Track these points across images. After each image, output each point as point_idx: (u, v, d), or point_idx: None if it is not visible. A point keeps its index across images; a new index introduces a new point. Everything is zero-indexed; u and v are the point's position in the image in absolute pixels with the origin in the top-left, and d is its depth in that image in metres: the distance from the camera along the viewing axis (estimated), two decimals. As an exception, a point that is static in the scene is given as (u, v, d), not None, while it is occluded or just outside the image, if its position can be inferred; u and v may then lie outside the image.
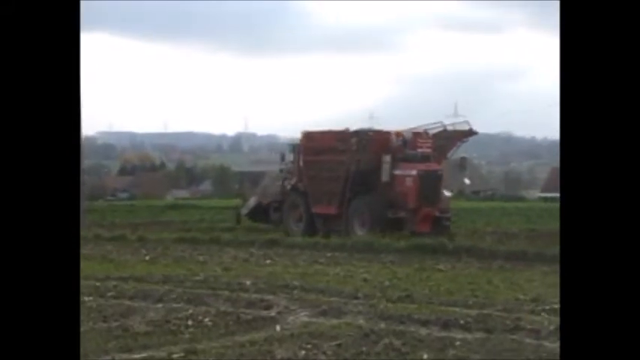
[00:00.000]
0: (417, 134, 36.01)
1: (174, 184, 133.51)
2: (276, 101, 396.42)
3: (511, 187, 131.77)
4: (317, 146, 36.33)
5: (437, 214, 34.07)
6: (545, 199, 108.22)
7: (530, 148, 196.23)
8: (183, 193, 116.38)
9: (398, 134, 35.27)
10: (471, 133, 38.61)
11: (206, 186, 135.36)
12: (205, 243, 30.67)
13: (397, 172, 34.28)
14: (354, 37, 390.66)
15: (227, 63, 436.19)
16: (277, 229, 36.69)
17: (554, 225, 43.83)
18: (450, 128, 38.09)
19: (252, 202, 40.25)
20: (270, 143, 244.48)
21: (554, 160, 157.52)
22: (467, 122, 38.81)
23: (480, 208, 62.60)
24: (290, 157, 38.37)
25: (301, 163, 36.76)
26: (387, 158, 34.36)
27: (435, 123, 38.09)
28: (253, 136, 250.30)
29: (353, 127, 36.35)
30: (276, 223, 37.96)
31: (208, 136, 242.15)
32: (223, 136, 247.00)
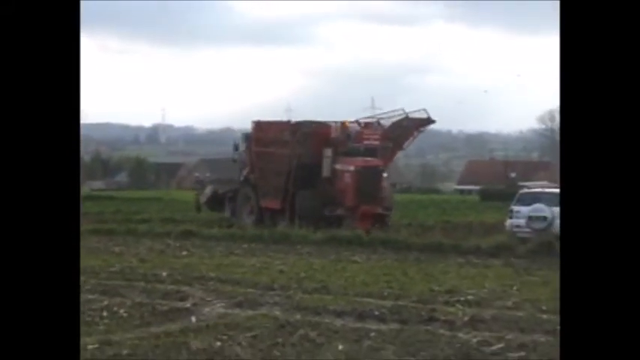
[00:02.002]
0: (366, 125, 35.13)
1: (90, 176, 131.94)
2: (192, 93, 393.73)
3: (427, 179, 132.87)
4: (265, 137, 35.08)
5: (379, 211, 32.69)
6: (461, 192, 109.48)
7: (446, 141, 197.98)
8: (99, 185, 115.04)
9: (344, 126, 34.16)
10: (429, 121, 37.55)
11: (122, 177, 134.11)
12: (121, 234, 30.41)
13: (338, 166, 33.08)
14: (269, 30, 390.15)
15: (141, 53, 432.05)
16: (230, 220, 35.81)
17: (470, 217, 44.31)
18: (411, 116, 36.99)
19: (208, 191, 38.97)
20: (187, 135, 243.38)
21: (470, 153, 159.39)
22: (424, 111, 37.63)
23: (396, 200, 62.93)
24: (243, 146, 37.11)
25: (251, 154, 35.72)
26: (328, 152, 33.21)
27: (395, 110, 37.22)
28: (170, 127, 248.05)
29: (271, 119, 35.89)
30: (230, 213, 36.83)
31: (125, 128, 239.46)
32: (140, 128, 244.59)
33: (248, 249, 25.48)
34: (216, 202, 37.99)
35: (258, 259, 22.54)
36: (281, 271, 19.53)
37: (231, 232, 30.21)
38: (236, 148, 38.05)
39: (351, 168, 32.58)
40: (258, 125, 35.78)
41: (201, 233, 30.02)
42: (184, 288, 16.49)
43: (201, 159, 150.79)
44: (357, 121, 35.66)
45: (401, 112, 37.03)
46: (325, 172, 33.04)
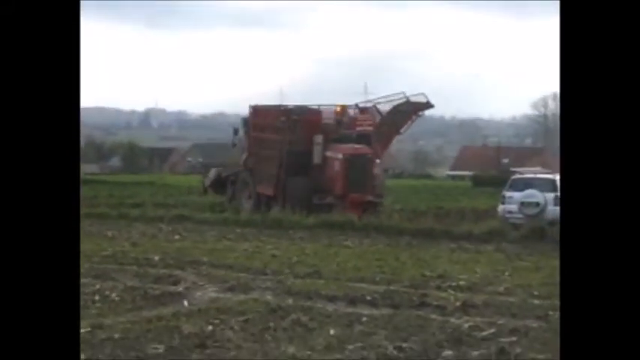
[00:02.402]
0: (362, 111, 34.77)
1: (83, 160, 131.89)
2: (184, 77, 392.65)
3: (420, 165, 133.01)
4: (260, 122, 34.78)
5: (369, 198, 32.04)
6: (454, 178, 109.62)
7: (439, 126, 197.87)
8: (92, 169, 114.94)
9: (337, 112, 33.76)
10: (428, 105, 37.13)
11: (115, 162, 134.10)
12: (114, 218, 30.40)
13: (328, 154, 32.61)
14: (259, 13, 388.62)
15: (131, 36, 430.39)
16: (231, 204, 35.40)
17: (462, 203, 44.35)
18: (416, 100, 36.53)
19: (212, 174, 38.49)
20: (180, 119, 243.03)
21: (463, 139, 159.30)
22: (423, 95, 37.14)
23: (389, 186, 62.90)
24: (242, 131, 36.80)
25: (249, 139, 35.44)
26: (319, 139, 32.76)
27: (395, 94, 36.70)
28: (162, 112, 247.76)
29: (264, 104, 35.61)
30: (230, 197, 36.38)
31: (118, 112, 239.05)
32: (133, 112, 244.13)
33: (241, 234, 25.48)
34: (219, 185, 37.59)
35: (251, 243, 22.54)
36: (273, 256, 19.53)
37: (224, 217, 30.22)
38: (236, 132, 37.68)
39: (340, 156, 32.18)
40: (255, 110, 35.49)
41: (193, 218, 30.03)
42: (176, 272, 16.49)
43: (194, 144, 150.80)
44: (356, 105, 35.31)
45: (401, 95, 36.69)
46: (316, 159, 32.71)
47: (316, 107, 34.92)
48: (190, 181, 75.08)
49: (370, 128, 34.06)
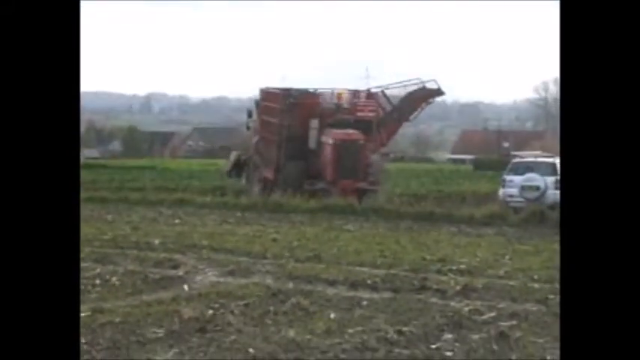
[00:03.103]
0: (369, 96, 34.65)
1: (84, 144, 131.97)
2: (186, 60, 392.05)
3: (420, 149, 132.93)
4: (269, 106, 34.63)
5: (361, 185, 31.88)
6: (455, 161, 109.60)
7: (440, 110, 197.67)
8: (93, 153, 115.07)
9: (338, 96, 33.68)
10: (438, 92, 37.04)
11: (115, 146, 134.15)
12: (114, 202, 30.39)
13: (323, 139, 32.57)
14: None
15: (132, 17, 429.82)
16: (247, 188, 35.37)
17: (463, 187, 44.39)
18: (428, 86, 36.29)
19: (232, 157, 38.37)
20: (181, 103, 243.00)
21: (464, 123, 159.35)
22: (435, 81, 36.85)
23: (389, 169, 62.93)
24: (255, 114, 36.57)
25: (258, 122, 35.41)
26: (315, 123, 32.78)
27: (410, 80, 36.49)
28: (164, 96, 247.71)
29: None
30: (245, 181, 36.41)
31: (119, 96, 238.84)
32: (134, 97, 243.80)
33: (241, 218, 25.49)
34: (239, 168, 37.47)
35: (251, 227, 22.54)
36: (274, 240, 19.52)
37: (225, 201, 30.24)
38: (249, 114, 37.27)
39: (330, 141, 32.09)
40: (264, 93, 35.41)
41: (194, 202, 30.04)
42: (177, 256, 16.48)
43: (195, 128, 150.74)
44: (368, 91, 35.20)
45: (417, 81, 36.46)
46: (311, 144, 32.77)
47: (316, 91, 34.84)
48: (191, 165, 75.25)
49: (372, 114, 33.90)
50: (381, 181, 33.51)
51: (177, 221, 24.23)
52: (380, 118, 34.54)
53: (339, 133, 32.30)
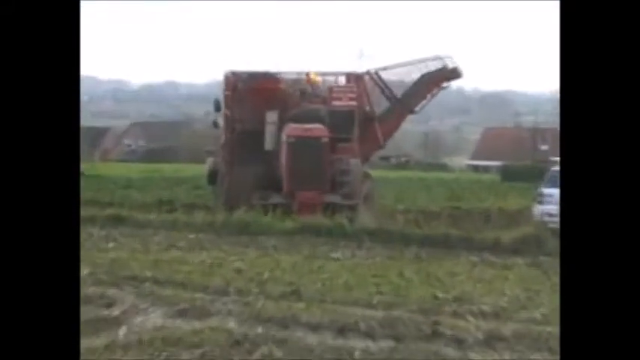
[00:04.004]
0: (357, 78, 34.51)
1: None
2: (124, 38, 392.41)
3: (431, 152, 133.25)
4: (229, 95, 34.28)
5: (333, 199, 31.49)
6: (476, 169, 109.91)
7: (457, 101, 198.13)
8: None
9: (309, 80, 33.74)
10: (455, 74, 36.71)
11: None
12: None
13: (283, 137, 32.32)
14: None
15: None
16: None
17: (486, 202, 44.46)
18: (451, 65, 36.00)
19: (209, 163, 36.92)
20: (118, 90, 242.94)
21: (488, 118, 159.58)
22: (450, 58, 36.60)
23: (390, 178, 63.08)
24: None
25: (225, 117, 34.80)
26: (273, 116, 32.67)
27: (430, 58, 36.14)
28: (94, 81, 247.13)
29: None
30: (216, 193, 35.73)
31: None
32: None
33: (195, 240, 25.46)
34: (216, 175, 36.38)
35: (209, 253, 22.52)
36: (238, 271, 19.53)
37: (174, 219, 30.13)
38: (217, 107, 35.81)
39: (284, 138, 31.97)
40: (229, 79, 34.72)
41: (134, 219, 29.95)
42: (111, 291, 16.48)
43: (134, 122, 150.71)
44: (353, 73, 35.08)
45: (436, 59, 36.17)
46: (267, 143, 32.59)
47: (272, 74, 34.50)
48: (130, 170, 75.12)
49: (352, 103, 33.69)
50: (367, 195, 33.49)
51: (111, 245, 24.21)
52: (366, 110, 34.48)
53: (296, 128, 32.06)
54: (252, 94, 33.15)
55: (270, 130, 32.60)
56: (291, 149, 31.63)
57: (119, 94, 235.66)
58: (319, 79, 34.36)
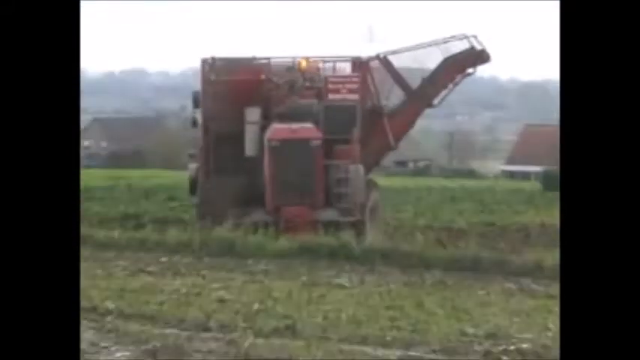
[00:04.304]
0: (359, 65, 33.95)
1: None
2: (84, 18, 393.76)
3: (458, 155, 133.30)
4: (206, 87, 33.73)
5: (327, 216, 31.34)
6: (512, 175, 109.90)
7: (490, 93, 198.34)
8: None
9: (301, 66, 33.14)
10: (484, 57, 35.43)
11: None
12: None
13: (266, 140, 31.81)
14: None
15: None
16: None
17: (525, 216, 44.39)
18: (478, 47, 35.02)
19: (191, 170, 35.92)
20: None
21: (526, 113, 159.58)
22: (475, 38, 35.42)
23: (408, 188, 63.15)
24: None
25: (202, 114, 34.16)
26: (254, 113, 32.38)
27: (452, 37, 35.33)
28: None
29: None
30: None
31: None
32: None
33: (169, 264, 25.47)
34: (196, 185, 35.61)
35: (185, 280, 22.55)
36: (221, 301, 19.54)
37: (142, 237, 30.10)
38: (196, 102, 34.93)
39: (266, 142, 31.70)
40: (205, 67, 34.14)
41: (93, 238, 29.91)
42: (65, 326, 16.49)
43: (95, 118, 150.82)
44: (356, 59, 34.45)
45: (461, 38, 35.39)
46: (248, 147, 32.30)
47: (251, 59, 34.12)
48: (89, 178, 75.08)
49: (353, 96, 33.22)
50: (373, 208, 33.34)
51: (65, 269, 24.21)
52: (373, 104, 34.21)
53: (281, 129, 31.86)
54: (230, 87, 32.88)
55: (250, 132, 32.26)
56: (275, 155, 31.42)
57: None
58: (317, 65, 33.99)
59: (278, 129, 31.75)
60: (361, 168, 32.60)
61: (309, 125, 32.00)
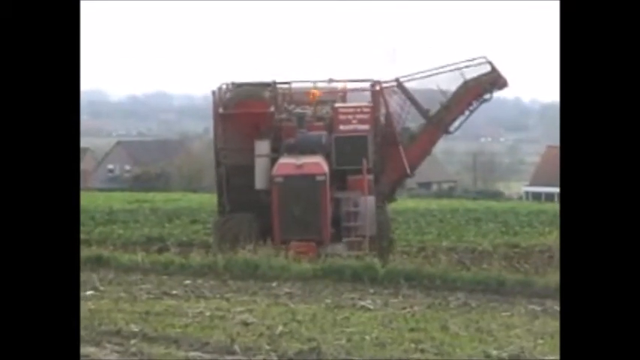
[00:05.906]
0: (377, 91, 34.06)
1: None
2: (103, 41, 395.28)
3: (481, 177, 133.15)
4: (217, 118, 34.03)
5: (334, 250, 30.85)
6: (536, 197, 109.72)
7: (512, 115, 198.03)
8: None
9: (311, 95, 33.26)
10: (500, 82, 35.59)
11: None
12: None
13: (274, 174, 31.78)
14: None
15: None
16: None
17: (550, 238, 44.24)
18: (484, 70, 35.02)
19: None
20: (96, 101, 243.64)
21: (550, 135, 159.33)
22: (489, 62, 35.53)
23: (432, 209, 63.06)
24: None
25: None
26: (263, 146, 32.39)
27: (474, 59, 35.25)
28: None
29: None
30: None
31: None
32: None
33: (193, 287, 25.46)
34: None
35: (209, 303, 22.54)
36: (245, 324, 19.53)
37: (166, 260, 30.08)
38: None
39: (273, 178, 31.63)
40: (217, 95, 34.23)
41: (117, 261, 29.91)
42: (90, 349, 16.50)
43: (119, 141, 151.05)
44: (373, 83, 34.50)
45: (483, 60, 35.48)
46: (258, 180, 32.28)
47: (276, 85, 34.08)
48: (112, 201, 75.21)
49: (364, 127, 33.18)
50: (386, 239, 33.11)
51: (89, 292, 24.22)
52: (387, 131, 34.08)
53: (286, 165, 31.72)
54: (239, 119, 32.96)
55: (260, 165, 32.28)
56: (281, 190, 31.39)
57: (97, 105, 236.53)
58: (330, 92, 34.09)
59: (283, 165, 31.76)
60: (372, 199, 32.68)
61: (316, 159, 32.07)
